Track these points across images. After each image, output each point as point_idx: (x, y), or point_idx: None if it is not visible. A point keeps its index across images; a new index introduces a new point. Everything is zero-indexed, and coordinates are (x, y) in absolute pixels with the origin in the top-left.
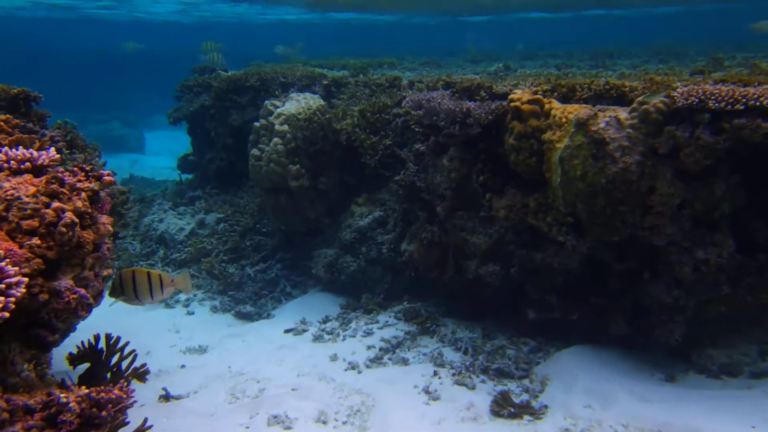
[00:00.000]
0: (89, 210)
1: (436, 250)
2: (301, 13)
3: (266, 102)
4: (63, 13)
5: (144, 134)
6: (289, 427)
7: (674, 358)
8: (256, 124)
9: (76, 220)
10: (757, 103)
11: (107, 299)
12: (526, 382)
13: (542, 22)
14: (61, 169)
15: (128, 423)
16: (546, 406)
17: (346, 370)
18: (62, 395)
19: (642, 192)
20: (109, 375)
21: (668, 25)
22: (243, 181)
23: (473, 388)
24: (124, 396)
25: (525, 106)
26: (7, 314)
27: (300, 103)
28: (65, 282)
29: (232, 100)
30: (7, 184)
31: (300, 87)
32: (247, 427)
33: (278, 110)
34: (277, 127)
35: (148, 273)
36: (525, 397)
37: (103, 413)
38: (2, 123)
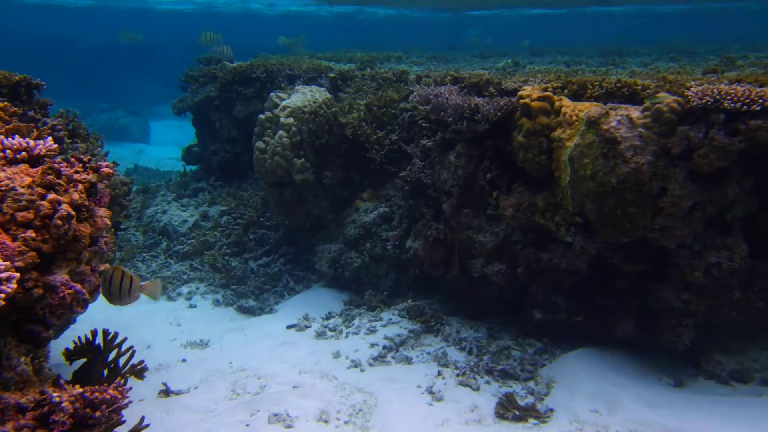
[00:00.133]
0: (86, 202)
1: (441, 248)
2: (306, 5)
3: (271, 94)
4: (69, 0)
5: (149, 124)
6: (289, 426)
7: (682, 363)
8: (261, 116)
9: (73, 213)
10: None
11: None
12: (531, 384)
13: (544, 18)
14: (58, 159)
15: (124, 422)
16: (551, 410)
17: (348, 368)
18: (55, 394)
19: (653, 193)
20: (106, 371)
21: (673, 24)
22: (247, 174)
23: (477, 389)
24: (119, 396)
25: (535, 103)
26: None
27: (306, 96)
28: (60, 277)
29: (237, 91)
30: (1, 174)
31: (306, 79)
32: (248, 425)
33: (284, 103)
34: (282, 119)
35: (123, 273)
36: (530, 399)
37: (97, 414)
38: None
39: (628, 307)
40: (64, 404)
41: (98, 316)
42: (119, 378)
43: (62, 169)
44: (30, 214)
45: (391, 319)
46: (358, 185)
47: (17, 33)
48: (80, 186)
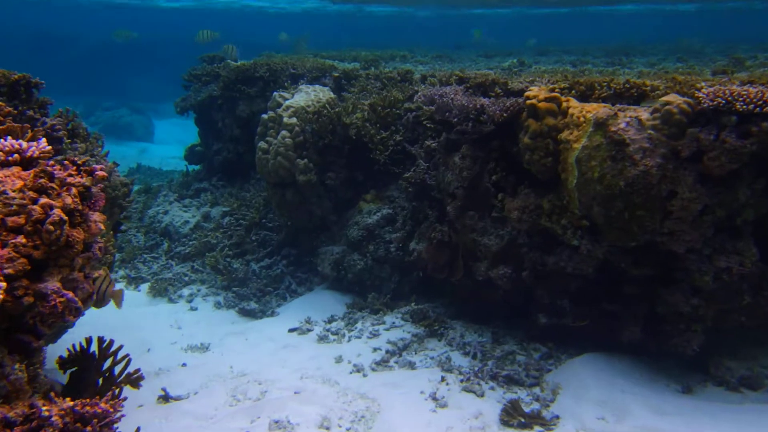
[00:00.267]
0: (80, 207)
1: (445, 251)
2: (310, 2)
3: (275, 93)
4: None
5: (153, 122)
6: None
7: (691, 369)
8: (264, 116)
9: (65, 218)
10: None
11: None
12: (536, 390)
13: (545, 17)
14: (51, 162)
15: None
16: (557, 417)
17: (351, 372)
18: (44, 408)
19: (662, 196)
20: (101, 380)
21: (678, 24)
22: (250, 174)
23: (482, 395)
24: (111, 410)
25: (541, 104)
26: None
27: (309, 96)
28: (52, 284)
29: (240, 90)
30: None
31: (310, 79)
32: None
33: (287, 102)
34: (285, 119)
35: (105, 276)
36: (535, 406)
37: (88, 429)
38: None
39: (635, 311)
40: (53, 419)
41: (98, 318)
42: (114, 387)
43: (55, 172)
44: (21, 219)
45: (394, 323)
46: (362, 186)
47: (22, 29)
48: (74, 190)
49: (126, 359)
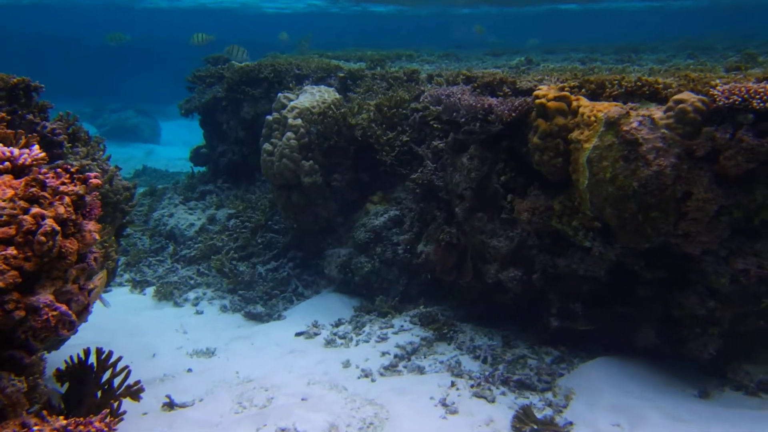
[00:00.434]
0: (73, 216)
1: (453, 253)
2: (314, 3)
3: (279, 95)
4: (78, 0)
5: (159, 124)
6: None
7: (708, 373)
8: (269, 117)
9: (58, 228)
10: None
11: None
12: (548, 395)
13: (545, 15)
14: (44, 170)
15: None
16: (570, 423)
17: (359, 378)
18: (36, 428)
19: (676, 197)
20: (100, 393)
21: (683, 20)
22: (255, 176)
23: (493, 401)
24: (106, 429)
25: (551, 103)
26: None
27: (314, 96)
28: (44, 297)
29: (244, 92)
30: None
31: (315, 79)
32: None
33: (292, 103)
34: (290, 121)
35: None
36: (548, 412)
37: None
38: None
39: (649, 314)
40: None
41: (104, 322)
42: (113, 400)
43: (47, 180)
44: (11, 230)
45: (402, 326)
46: (368, 188)
47: (28, 32)
48: (66, 199)
49: (125, 371)
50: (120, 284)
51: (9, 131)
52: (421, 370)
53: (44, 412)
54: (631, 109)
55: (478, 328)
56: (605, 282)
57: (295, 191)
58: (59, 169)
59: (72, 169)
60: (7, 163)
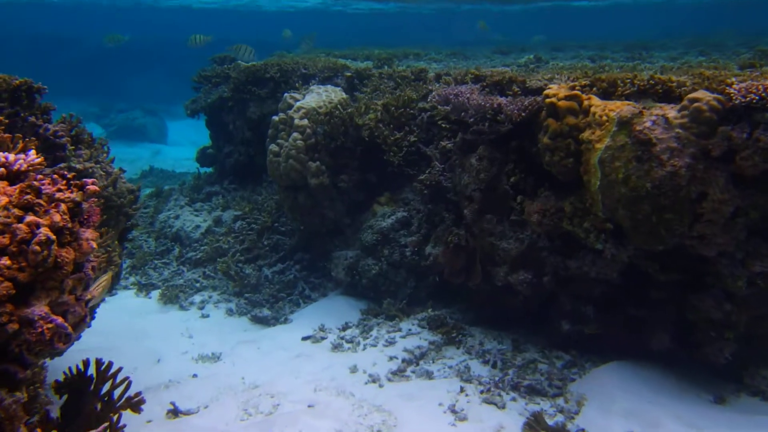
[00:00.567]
0: (69, 224)
1: (462, 255)
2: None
3: (285, 95)
4: (84, 0)
5: (167, 123)
6: None
7: (723, 378)
8: (275, 118)
9: (53, 237)
10: None
11: None
12: (560, 401)
13: (546, 13)
14: (39, 176)
15: None
16: (583, 430)
17: (366, 383)
18: None
19: (691, 198)
20: (99, 405)
21: (690, 15)
22: (262, 177)
23: (503, 407)
24: None
25: (562, 103)
26: None
27: (321, 96)
28: (39, 309)
29: (250, 92)
30: None
31: (322, 79)
32: None
33: (298, 104)
34: (296, 121)
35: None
36: (560, 418)
37: None
38: None
39: (663, 318)
40: None
41: (109, 326)
42: (113, 413)
43: (43, 187)
44: (5, 239)
45: (410, 330)
46: (375, 189)
47: (36, 31)
48: (63, 206)
49: (126, 382)
50: (125, 287)
51: (6, 135)
52: (429, 375)
53: (38, 430)
54: (644, 108)
55: (488, 331)
56: (618, 284)
57: (301, 192)
58: (55, 175)
59: (69, 175)
60: (1, 170)
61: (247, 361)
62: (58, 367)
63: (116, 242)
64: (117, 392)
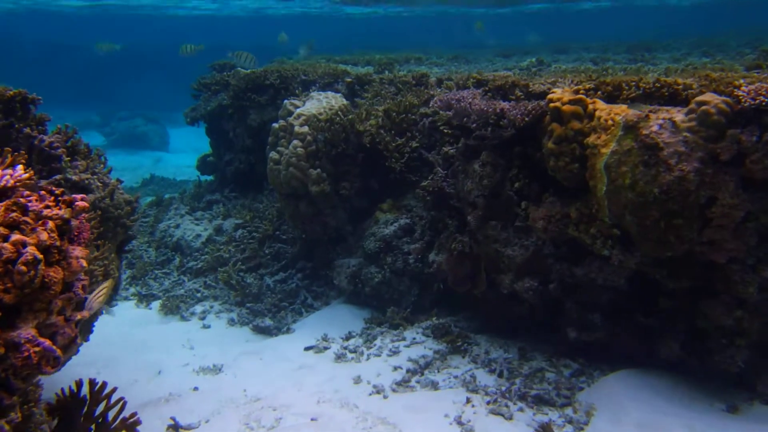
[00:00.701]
0: (57, 242)
1: (466, 262)
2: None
3: (285, 101)
4: (85, 9)
5: (168, 131)
6: None
7: (735, 387)
8: (275, 125)
9: (40, 257)
10: None
11: None
12: (568, 411)
13: (546, 13)
14: (27, 192)
15: None
16: None
17: (370, 394)
18: None
19: (700, 203)
20: (93, 427)
21: (689, 16)
22: (263, 185)
23: (510, 418)
24: None
25: (566, 107)
26: None
27: (321, 103)
28: (26, 332)
29: (250, 99)
30: None
31: (322, 85)
32: None
33: (298, 110)
34: (296, 128)
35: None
36: (569, 429)
37: None
38: None
39: (672, 326)
40: None
41: (110, 337)
42: None
43: (29, 204)
44: None
45: (414, 339)
46: (377, 196)
47: (33, 39)
48: (50, 224)
49: (121, 403)
50: (126, 298)
51: None
52: (434, 386)
53: None
54: (650, 111)
55: (493, 339)
56: (625, 292)
57: (303, 200)
58: (43, 191)
59: (57, 191)
60: None
61: (248, 372)
62: (57, 381)
63: (114, 254)
64: (111, 413)
